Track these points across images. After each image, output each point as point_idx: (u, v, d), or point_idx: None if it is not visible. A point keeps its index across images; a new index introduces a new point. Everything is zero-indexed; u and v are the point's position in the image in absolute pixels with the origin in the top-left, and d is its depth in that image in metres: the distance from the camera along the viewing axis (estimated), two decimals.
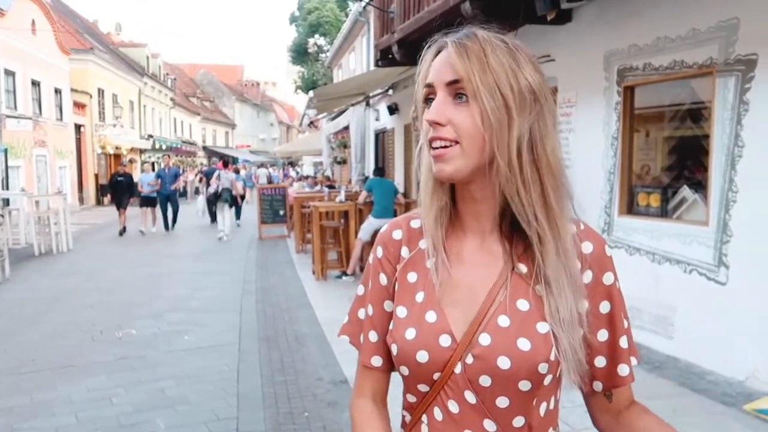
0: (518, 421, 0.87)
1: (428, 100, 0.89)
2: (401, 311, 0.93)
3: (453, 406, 0.88)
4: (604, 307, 0.92)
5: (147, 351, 5.17)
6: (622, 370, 0.93)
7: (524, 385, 0.84)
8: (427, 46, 0.92)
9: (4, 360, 5.00)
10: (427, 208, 0.93)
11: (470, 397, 0.87)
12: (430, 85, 0.88)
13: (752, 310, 3.81)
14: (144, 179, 14.48)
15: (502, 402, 0.86)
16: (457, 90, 0.85)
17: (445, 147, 0.85)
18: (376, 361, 0.98)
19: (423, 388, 0.91)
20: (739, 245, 3.91)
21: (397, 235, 1.00)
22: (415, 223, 0.99)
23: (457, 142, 0.85)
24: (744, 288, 3.88)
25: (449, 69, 0.86)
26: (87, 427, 3.67)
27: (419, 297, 0.92)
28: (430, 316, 0.89)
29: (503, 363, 0.84)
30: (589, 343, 0.90)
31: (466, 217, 0.92)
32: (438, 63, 0.88)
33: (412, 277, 0.95)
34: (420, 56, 0.93)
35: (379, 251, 1.01)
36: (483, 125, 0.84)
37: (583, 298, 0.89)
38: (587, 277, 0.91)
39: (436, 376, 0.88)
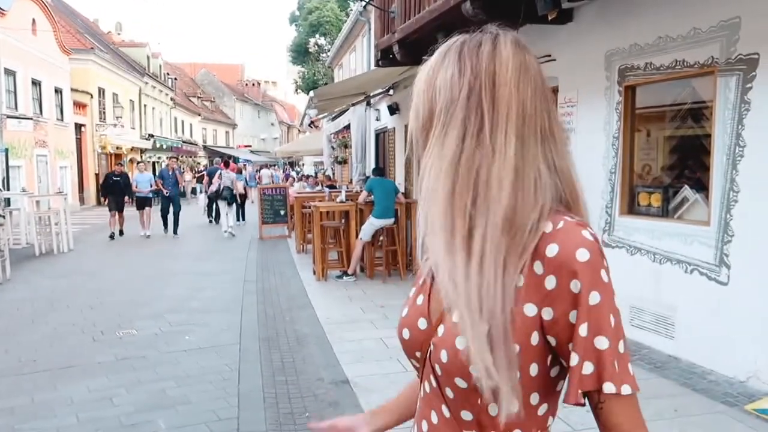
0: (466, 415, 0.89)
1: None
2: (412, 291, 1.02)
3: (427, 386, 0.94)
4: (573, 317, 0.81)
5: (148, 351, 5.17)
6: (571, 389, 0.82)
7: (460, 383, 0.86)
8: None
9: (5, 360, 5.00)
10: None
11: (433, 380, 0.92)
12: None
13: (753, 310, 3.81)
14: (139, 179, 13.84)
15: (449, 392, 0.89)
16: None
17: None
18: None
19: (415, 363, 0.98)
20: (740, 245, 3.91)
21: None
22: None
23: None
24: (745, 288, 3.88)
25: None
26: (88, 428, 3.67)
27: (421, 281, 1.00)
28: (419, 299, 0.97)
29: (443, 356, 0.87)
30: (564, 354, 0.84)
31: None
32: None
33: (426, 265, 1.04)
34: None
35: None
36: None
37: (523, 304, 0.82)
38: (550, 282, 0.81)
39: (417, 354, 0.95)
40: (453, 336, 0.85)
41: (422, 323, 0.94)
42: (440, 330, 0.89)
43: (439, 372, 0.89)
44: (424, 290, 0.97)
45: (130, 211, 14.14)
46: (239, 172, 17.16)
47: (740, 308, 3.90)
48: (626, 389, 0.81)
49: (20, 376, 4.61)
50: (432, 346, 0.90)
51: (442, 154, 0.86)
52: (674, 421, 3.39)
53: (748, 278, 3.86)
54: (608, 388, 0.80)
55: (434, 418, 0.93)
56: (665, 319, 4.49)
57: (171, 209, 13.86)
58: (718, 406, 3.59)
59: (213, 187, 14.38)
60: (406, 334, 0.97)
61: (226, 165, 16.37)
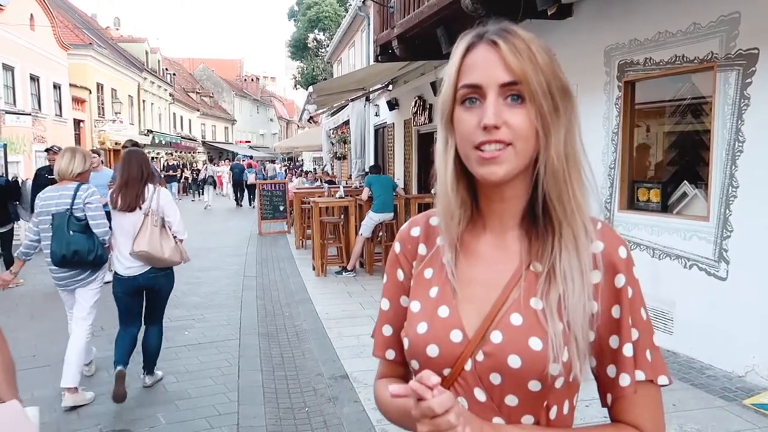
0: (527, 420, 0.87)
1: (468, 99, 0.85)
2: (415, 306, 0.94)
3: (463, 402, 0.87)
4: (615, 311, 0.87)
5: None
6: (623, 379, 0.87)
7: (534, 386, 0.83)
8: (459, 39, 0.88)
9: None
10: (446, 207, 0.92)
11: (480, 394, 0.86)
12: (474, 86, 0.84)
13: (752, 305, 3.82)
14: (97, 182, 7.67)
15: (512, 400, 0.85)
16: (511, 92, 0.83)
17: (499, 150, 0.83)
18: (390, 354, 1.01)
19: None
20: (739, 240, 3.91)
21: (415, 232, 1.01)
22: (434, 221, 0.99)
23: (509, 144, 0.83)
24: (744, 283, 3.89)
25: (503, 69, 0.83)
26: (88, 423, 3.68)
27: (433, 292, 0.92)
28: (443, 311, 0.89)
29: (514, 362, 0.83)
30: (602, 349, 0.88)
31: (488, 216, 0.92)
32: (484, 61, 0.84)
33: (428, 273, 0.95)
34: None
35: (397, 247, 1.02)
36: (541, 126, 0.83)
37: (592, 298, 0.86)
38: (596, 276, 0.87)
39: (446, 372, 0.87)
40: (524, 338, 0.83)
41: (456, 335, 0.87)
42: (496, 336, 0.84)
43: (497, 381, 0.84)
44: (445, 300, 0.90)
45: None
46: (250, 166, 21.67)
47: (739, 303, 3.91)
48: (663, 380, 0.87)
49: (20, 372, 4.58)
50: (483, 356, 0.85)
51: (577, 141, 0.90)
52: (672, 415, 3.40)
53: (747, 273, 3.87)
54: (639, 375, 0.86)
55: None
56: (664, 314, 4.50)
57: None
58: (717, 401, 3.61)
59: (200, 176, 16.90)
60: (433, 351, 0.88)
61: (210, 161, 20.62)
